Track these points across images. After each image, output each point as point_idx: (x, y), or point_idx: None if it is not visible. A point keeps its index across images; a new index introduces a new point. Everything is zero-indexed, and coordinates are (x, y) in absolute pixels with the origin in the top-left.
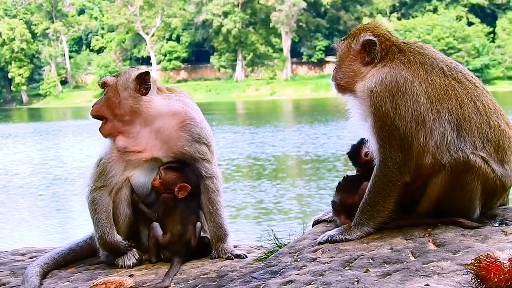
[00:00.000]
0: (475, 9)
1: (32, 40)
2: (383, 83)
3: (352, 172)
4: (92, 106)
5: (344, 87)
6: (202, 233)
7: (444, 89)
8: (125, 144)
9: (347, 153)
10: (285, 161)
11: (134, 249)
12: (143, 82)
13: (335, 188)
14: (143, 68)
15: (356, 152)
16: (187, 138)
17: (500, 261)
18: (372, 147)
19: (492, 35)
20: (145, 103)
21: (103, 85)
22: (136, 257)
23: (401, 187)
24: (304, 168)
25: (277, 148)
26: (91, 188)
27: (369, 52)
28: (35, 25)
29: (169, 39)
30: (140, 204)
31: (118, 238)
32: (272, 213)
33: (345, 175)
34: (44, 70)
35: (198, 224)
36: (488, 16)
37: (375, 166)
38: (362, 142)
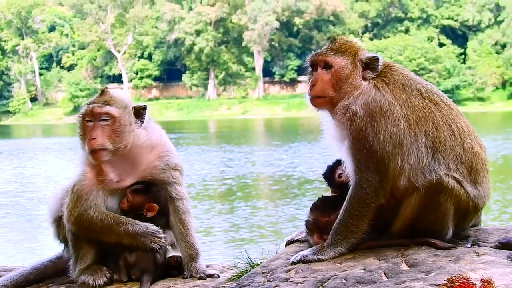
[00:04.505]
0: (446, 31)
1: (1, 57)
2: (368, 107)
3: (327, 193)
4: None
5: (325, 102)
6: (174, 252)
7: (422, 112)
8: (110, 175)
9: (323, 174)
10: (257, 181)
11: (105, 268)
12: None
13: (309, 208)
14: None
15: (330, 173)
16: (163, 167)
17: (472, 282)
18: (348, 169)
19: (463, 56)
20: (133, 136)
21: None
22: (107, 276)
23: (375, 209)
24: (276, 188)
25: (249, 168)
26: (68, 215)
27: (373, 69)
28: (5, 41)
29: (141, 57)
30: None
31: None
32: (245, 232)
33: (320, 196)
34: (13, 87)
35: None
36: (459, 38)
37: (351, 187)
38: (338, 163)
